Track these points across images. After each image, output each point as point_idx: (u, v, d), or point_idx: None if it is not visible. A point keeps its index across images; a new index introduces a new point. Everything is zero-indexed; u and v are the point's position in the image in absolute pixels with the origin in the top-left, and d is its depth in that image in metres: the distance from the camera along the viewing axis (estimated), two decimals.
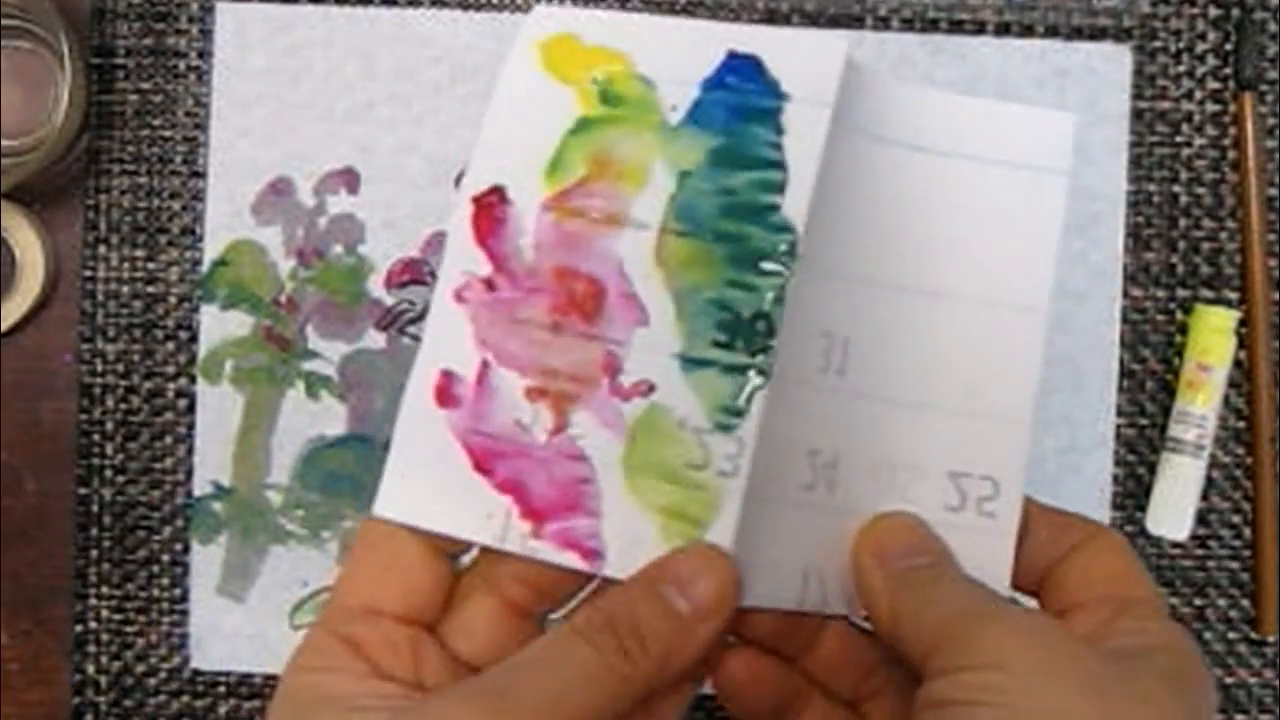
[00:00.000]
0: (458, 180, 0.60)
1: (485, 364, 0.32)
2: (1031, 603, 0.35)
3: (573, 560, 0.31)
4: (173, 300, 0.60)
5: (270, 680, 0.60)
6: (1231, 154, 0.60)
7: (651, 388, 0.31)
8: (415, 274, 0.60)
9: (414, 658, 0.33)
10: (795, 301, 0.30)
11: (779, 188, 0.31)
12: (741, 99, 0.31)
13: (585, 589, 0.33)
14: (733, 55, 0.32)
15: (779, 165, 0.31)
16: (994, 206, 0.34)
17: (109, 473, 0.60)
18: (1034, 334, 0.33)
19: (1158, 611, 0.35)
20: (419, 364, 0.32)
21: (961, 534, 0.33)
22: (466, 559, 0.34)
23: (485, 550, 0.33)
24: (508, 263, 0.32)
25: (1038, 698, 0.29)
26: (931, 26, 0.60)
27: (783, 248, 0.30)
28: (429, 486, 0.32)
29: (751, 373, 0.30)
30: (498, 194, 0.32)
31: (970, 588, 0.32)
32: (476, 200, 0.32)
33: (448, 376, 0.32)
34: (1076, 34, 0.60)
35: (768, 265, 0.30)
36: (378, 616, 0.33)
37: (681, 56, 0.32)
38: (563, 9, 0.35)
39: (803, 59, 0.31)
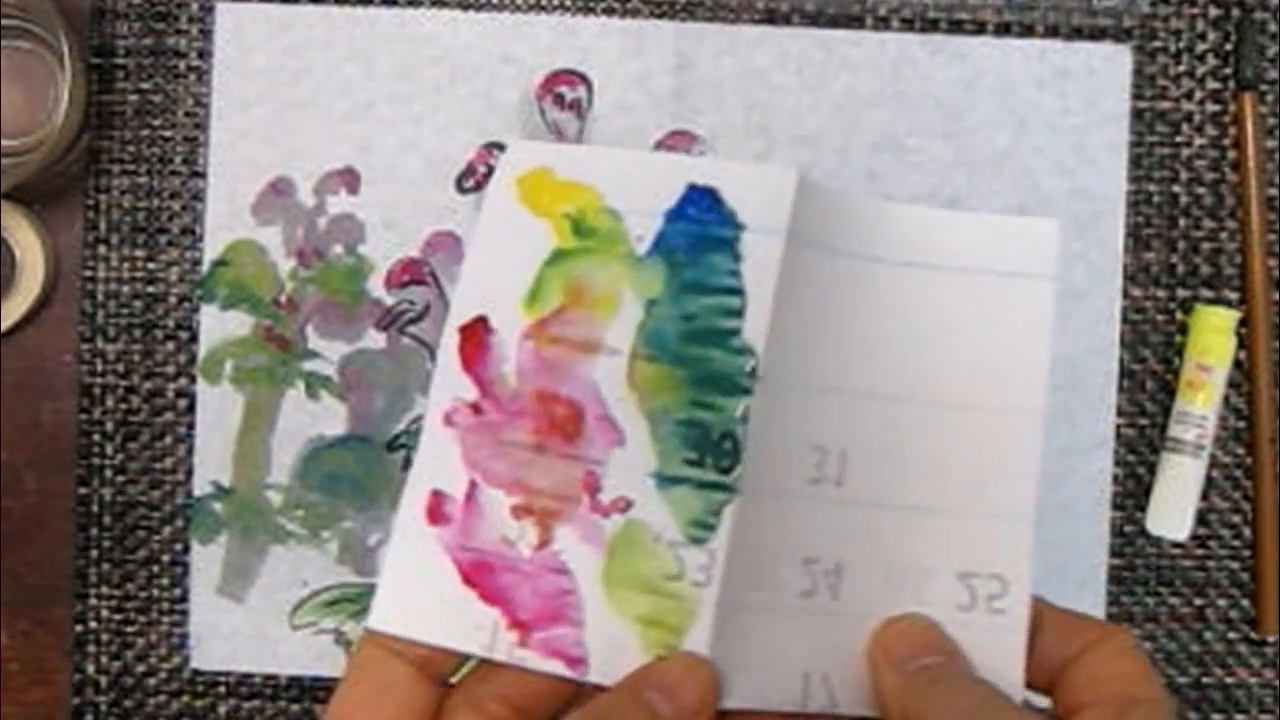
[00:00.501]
0: (458, 180, 0.60)
1: (473, 484, 0.34)
2: (1044, 701, 0.35)
3: (558, 668, 0.33)
4: (173, 300, 0.60)
5: (270, 680, 0.60)
6: (1231, 154, 0.60)
7: (629, 504, 0.33)
8: (415, 274, 0.60)
9: None
10: (777, 418, 0.32)
11: (738, 312, 0.33)
12: (701, 229, 0.33)
13: (565, 708, 0.34)
14: (692, 187, 0.34)
15: (737, 291, 0.33)
16: (983, 314, 0.35)
17: (109, 473, 0.60)
18: (1032, 434, 0.34)
19: (1161, 713, 0.34)
20: (410, 483, 0.35)
21: (974, 633, 0.34)
22: (456, 679, 0.35)
23: (471, 671, 0.34)
24: (492, 388, 0.34)
25: None
26: (931, 26, 0.60)
27: (745, 369, 0.32)
28: (421, 600, 0.34)
29: (722, 491, 0.32)
30: (482, 324, 0.34)
31: (978, 690, 0.33)
32: (462, 330, 0.34)
33: (438, 496, 0.34)
34: (1076, 34, 0.60)
35: (731, 387, 0.32)
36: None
37: (646, 189, 0.34)
38: (537, 144, 0.37)
39: (756, 190, 0.33)
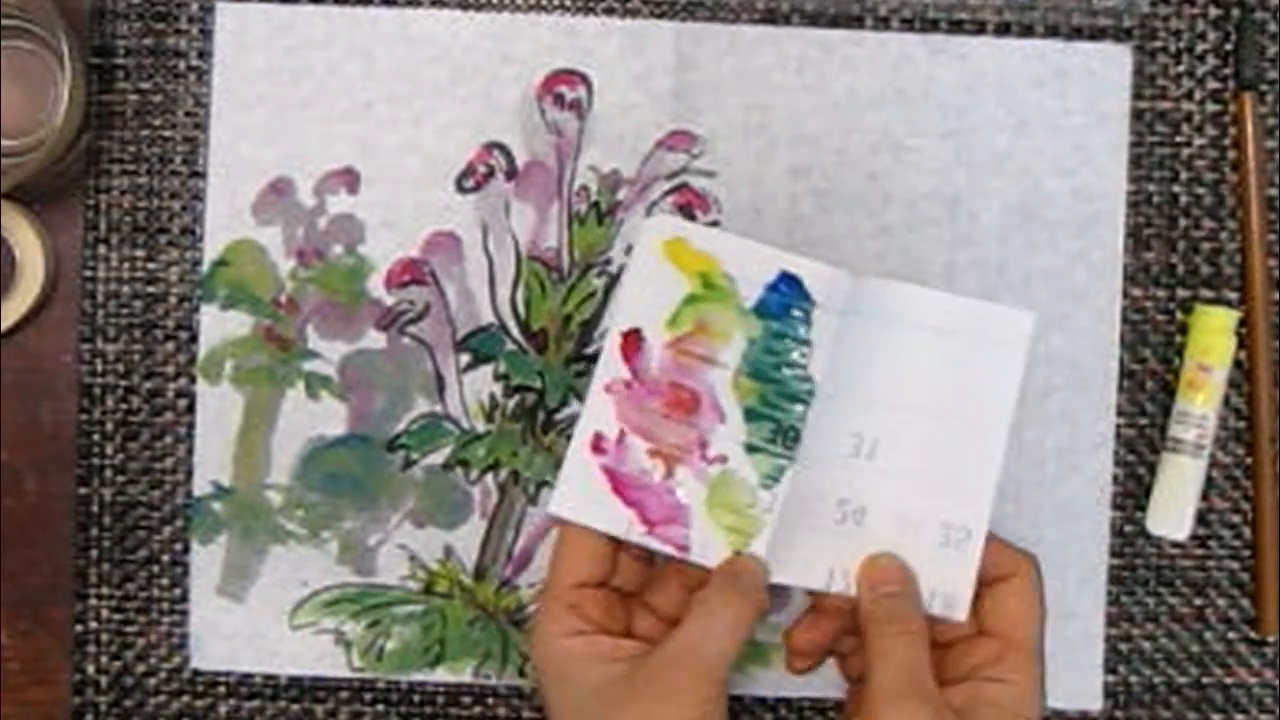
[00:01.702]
0: (458, 180, 0.60)
1: (622, 431, 0.52)
2: None
3: (670, 550, 0.51)
4: (173, 300, 0.60)
5: (270, 680, 0.60)
6: (1231, 154, 0.60)
7: (725, 460, 0.52)
8: (415, 274, 0.60)
9: (625, 615, 0.52)
10: (827, 417, 0.51)
11: (806, 355, 0.52)
12: (787, 300, 0.52)
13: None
14: (784, 273, 0.52)
15: (807, 342, 0.52)
16: (966, 360, 0.52)
17: (109, 473, 0.60)
18: (998, 440, 0.51)
19: (1027, 662, 0.50)
20: (580, 426, 0.52)
21: (944, 565, 0.51)
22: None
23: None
24: (640, 374, 0.52)
25: None
26: (931, 26, 0.60)
27: (806, 391, 0.52)
28: (584, 500, 0.52)
29: (785, 459, 0.52)
30: (636, 333, 0.52)
31: (904, 659, 0.49)
32: (623, 334, 0.52)
33: (598, 436, 0.52)
34: (1076, 34, 0.60)
35: (796, 399, 0.52)
36: (592, 589, 0.51)
37: (752, 266, 0.52)
38: (677, 219, 0.55)
39: (826, 281, 0.52)
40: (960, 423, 0.51)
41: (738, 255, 0.52)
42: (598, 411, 0.52)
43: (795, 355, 0.52)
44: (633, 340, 0.52)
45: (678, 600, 0.53)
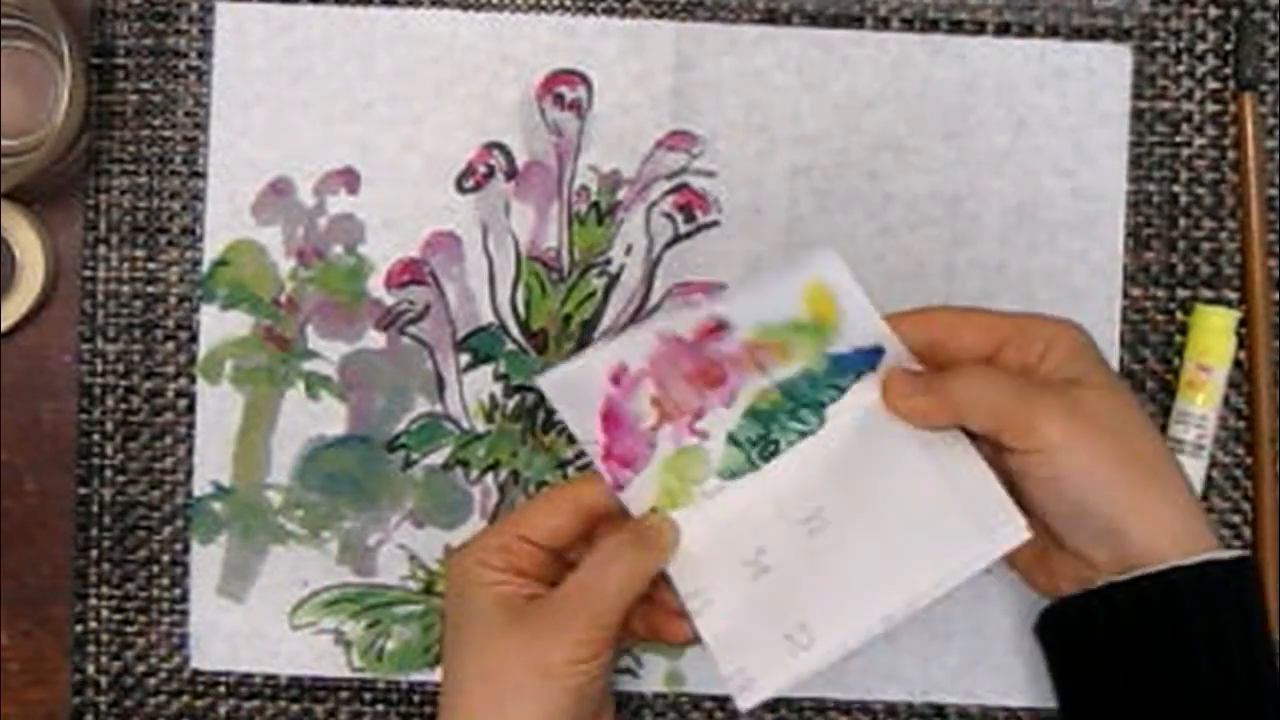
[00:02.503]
0: (458, 180, 0.60)
1: (643, 370, 0.53)
2: None
3: (608, 479, 0.52)
4: (173, 300, 0.60)
5: (270, 680, 0.60)
6: (1231, 154, 0.60)
7: (705, 436, 0.53)
8: (415, 274, 0.60)
9: (554, 570, 0.52)
10: (804, 469, 0.52)
11: (834, 399, 0.52)
12: (863, 363, 0.52)
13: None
14: (878, 346, 0.51)
15: (842, 390, 0.52)
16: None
17: (109, 473, 0.60)
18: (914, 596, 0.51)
19: (1036, 322, 0.50)
20: (611, 347, 0.53)
21: (783, 663, 0.50)
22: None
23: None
24: (697, 345, 0.52)
25: (1074, 467, 0.47)
26: (931, 26, 0.60)
27: (812, 423, 0.52)
28: (574, 398, 0.53)
29: (751, 468, 0.52)
30: (724, 324, 0.52)
31: (996, 378, 0.48)
32: (716, 320, 0.52)
33: (622, 367, 0.53)
34: (1076, 34, 0.60)
35: (799, 428, 0.52)
36: (532, 547, 0.52)
37: (859, 327, 0.52)
38: (842, 266, 0.52)
39: (896, 359, 0.52)
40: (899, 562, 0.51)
41: (857, 316, 0.52)
42: (635, 348, 0.53)
43: (826, 397, 0.52)
44: (718, 328, 0.52)
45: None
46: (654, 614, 0.53)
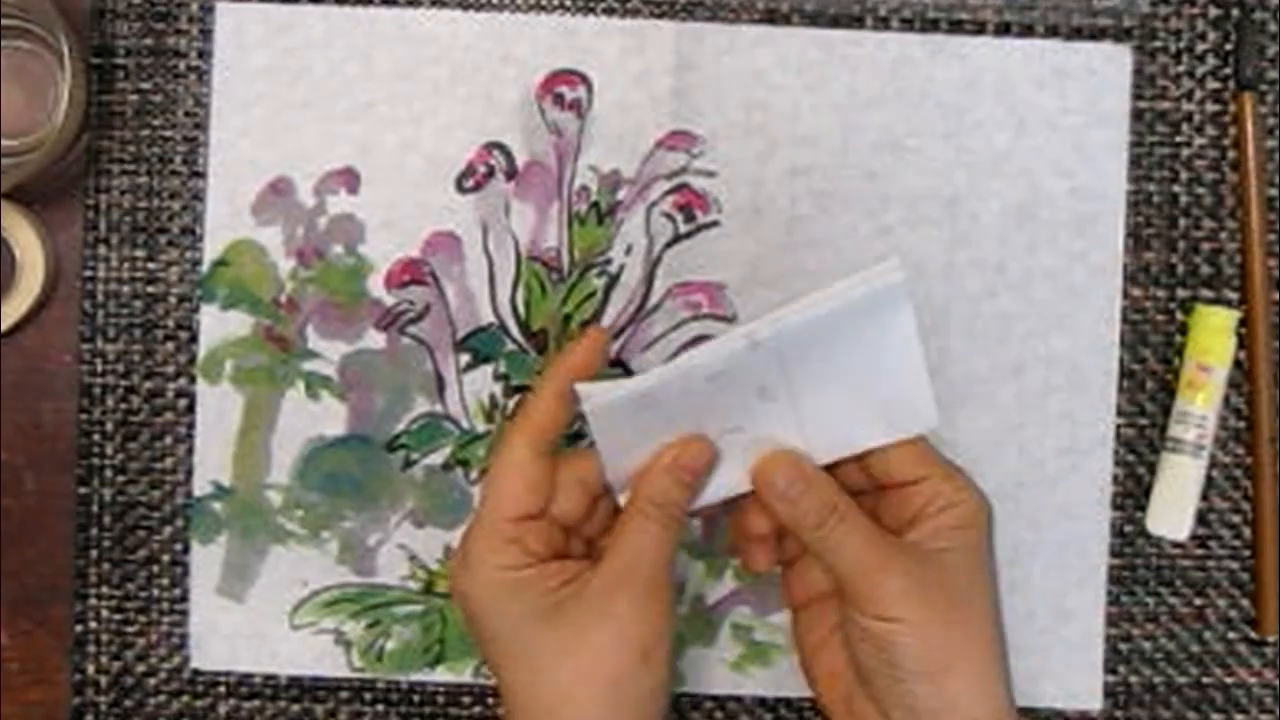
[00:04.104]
0: (458, 180, 0.60)
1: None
2: None
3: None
4: (173, 300, 0.60)
5: (270, 680, 0.60)
6: (1231, 154, 0.60)
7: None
8: (415, 274, 0.60)
9: (562, 540, 0.51)
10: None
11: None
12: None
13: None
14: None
15: None
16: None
17: (109, 473, 0.60)
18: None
19: (952, 480, 0.50)
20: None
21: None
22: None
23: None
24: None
25: (915, 639, 0.48)
26: (931, 26, 0.60)
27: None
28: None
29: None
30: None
31: (865, 536, 0.49)
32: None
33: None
34: (1076, 34, 0.60)
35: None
36: (532, 520, 0.50)
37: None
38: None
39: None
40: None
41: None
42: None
43: None
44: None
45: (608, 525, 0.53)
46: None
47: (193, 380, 0.60)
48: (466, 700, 0.60)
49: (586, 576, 0.50)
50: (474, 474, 0.60)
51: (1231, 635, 0.60)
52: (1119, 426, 0.60)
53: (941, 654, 0.48)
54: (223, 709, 0.60)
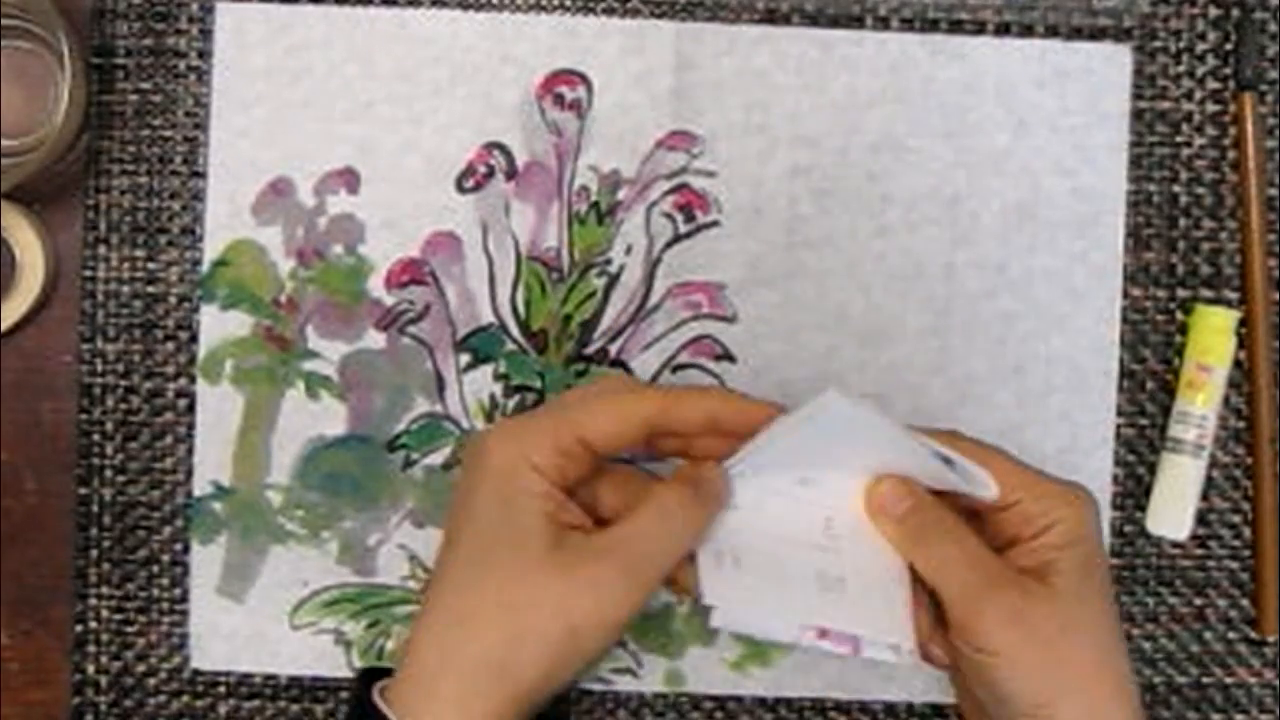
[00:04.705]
0: (458, 180, 0.60)
1: None
2: None
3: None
4: (173, 300, 0.60)
5: (270, 680, 0.60)
6: (1231, 154, 0.60)
7: None
8: (415, 274, 0.60)
9: (586, 481, 0.50)
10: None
11: None
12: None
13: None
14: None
15: None
16: None
17: (109, 473, 0.60)
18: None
19: (1055, 492, 0.49)
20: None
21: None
22: None
23: None
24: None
25: (1016, 673, 0.47)
26: (931, 26, 0.60)
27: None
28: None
29: None
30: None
31: (967, 558, 0.48)
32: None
33: None
34: (1076, 34, 0.60)
35: None
36: (586, 453, 0.49)
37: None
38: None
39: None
40: None
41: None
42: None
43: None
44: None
45: (616, 499, 0.51)
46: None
47: (193, 380, 0.60)
48: None
49: (587, 531, 0.49)
50: None
51: (1231, 635, 0.60)
52: (1119, 426, 0.60)
53: (1046, 688, 0.46)
54: (223, 709, 0.60)
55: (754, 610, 0.49)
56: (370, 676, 0.49)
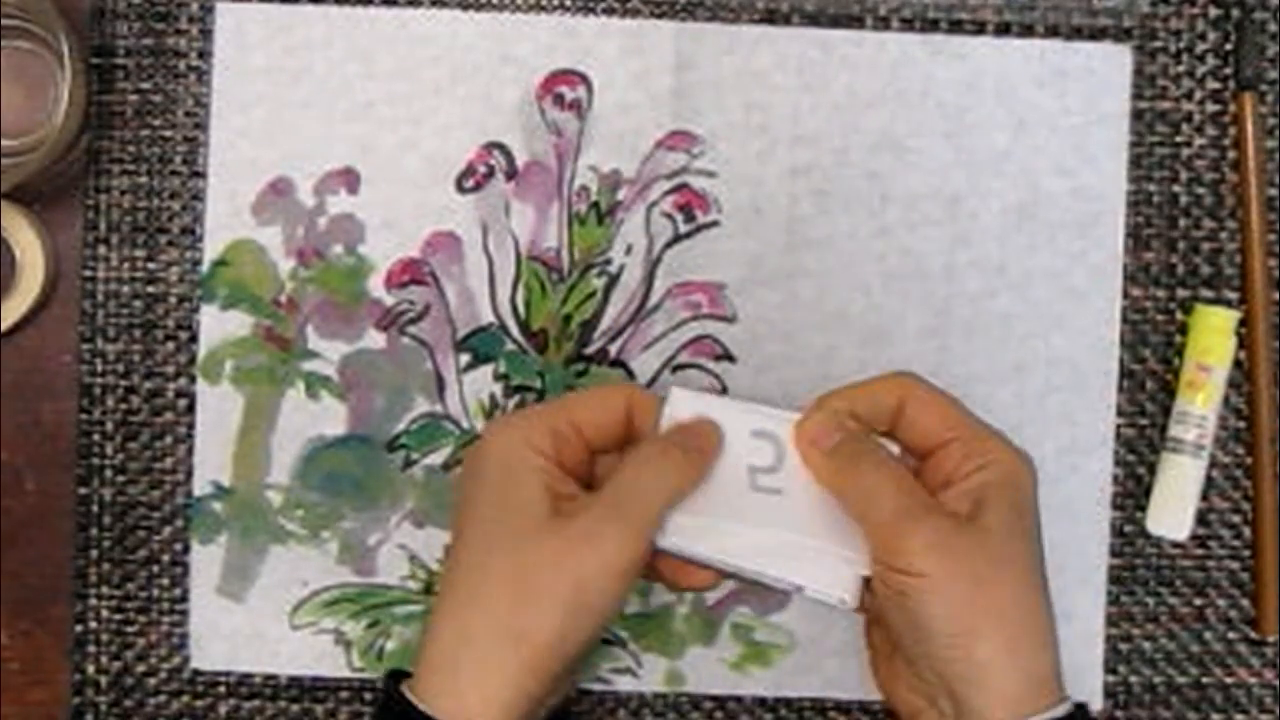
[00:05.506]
0: (458, 180, 0.60)
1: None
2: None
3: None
4: (173, 300, 0.60)
5: (270, 680, 0.60)
6: (1231, 154, 0.60)
7: None
8: (415, 274, 0.60)
9: (584, 467, 0.52)
10: None
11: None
12: None
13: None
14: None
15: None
16: None
17: (109, 473, 0.60)
18: None
19: (986, 441, 0.49)
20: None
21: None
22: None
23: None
24: None
25: (938, 598, 0.47)
26: (931, 26, 0.60)
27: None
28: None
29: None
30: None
31: (897, 485, 0.48)
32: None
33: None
34: (1076, 34, 0.60)
35: None
36: (577, 437, 0.51)
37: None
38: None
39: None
40: None
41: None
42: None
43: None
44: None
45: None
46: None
47: (193, 380, 0.60)
48: None
49: (585, 499, 0.50)
50: None
51: (1231, 635, 0.60)
52: (1119, 426, 0.60)
53: (968, 617, 0.46)
54: (223, 709, 0.60)
55: (705, 540, 0.50)
56: (397, 678, 0.50)
